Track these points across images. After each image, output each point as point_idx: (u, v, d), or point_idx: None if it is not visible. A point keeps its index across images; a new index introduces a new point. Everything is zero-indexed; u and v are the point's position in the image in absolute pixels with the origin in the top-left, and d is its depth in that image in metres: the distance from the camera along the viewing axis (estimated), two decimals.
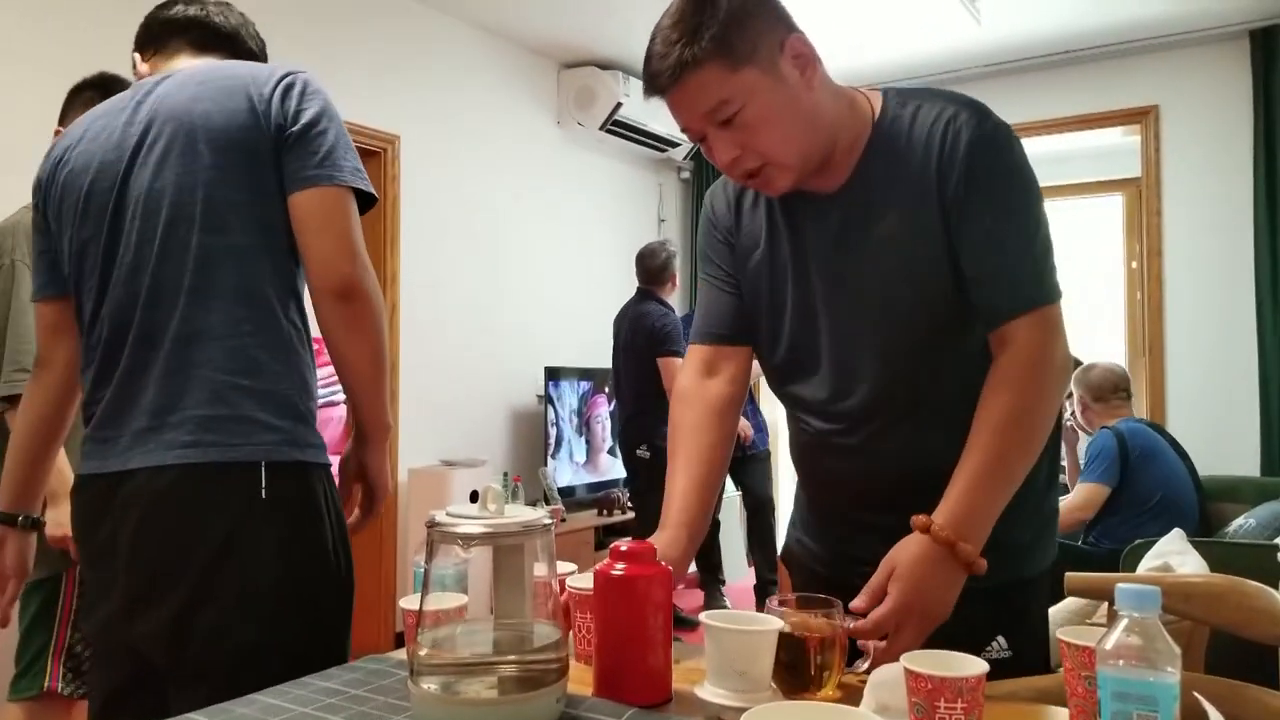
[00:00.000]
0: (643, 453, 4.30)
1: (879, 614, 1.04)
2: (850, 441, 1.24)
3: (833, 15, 4.27)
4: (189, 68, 1.35)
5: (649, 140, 5.18)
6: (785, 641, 0.99)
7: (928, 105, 1.19)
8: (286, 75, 1.32)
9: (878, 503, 1.22)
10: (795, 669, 1.01)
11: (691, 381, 1.34)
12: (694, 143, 1.20)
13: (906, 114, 1.19)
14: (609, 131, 5.00)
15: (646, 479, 4.26)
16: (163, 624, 1.21)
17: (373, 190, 1.33)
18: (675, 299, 4.54)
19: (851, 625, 1.04)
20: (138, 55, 1.47)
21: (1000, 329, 1.14)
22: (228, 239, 1.24)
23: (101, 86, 1.93)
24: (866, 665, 1.05)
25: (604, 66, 4.89)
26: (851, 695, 0.98)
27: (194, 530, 1.20)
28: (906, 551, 1.07)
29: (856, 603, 1.06)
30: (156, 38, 1.44)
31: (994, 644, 1.18)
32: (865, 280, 1.20)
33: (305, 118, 1.29)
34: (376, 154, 4.05)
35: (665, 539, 1.21)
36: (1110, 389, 3.62)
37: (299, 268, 1.31)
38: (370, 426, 1.36)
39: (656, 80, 1.12)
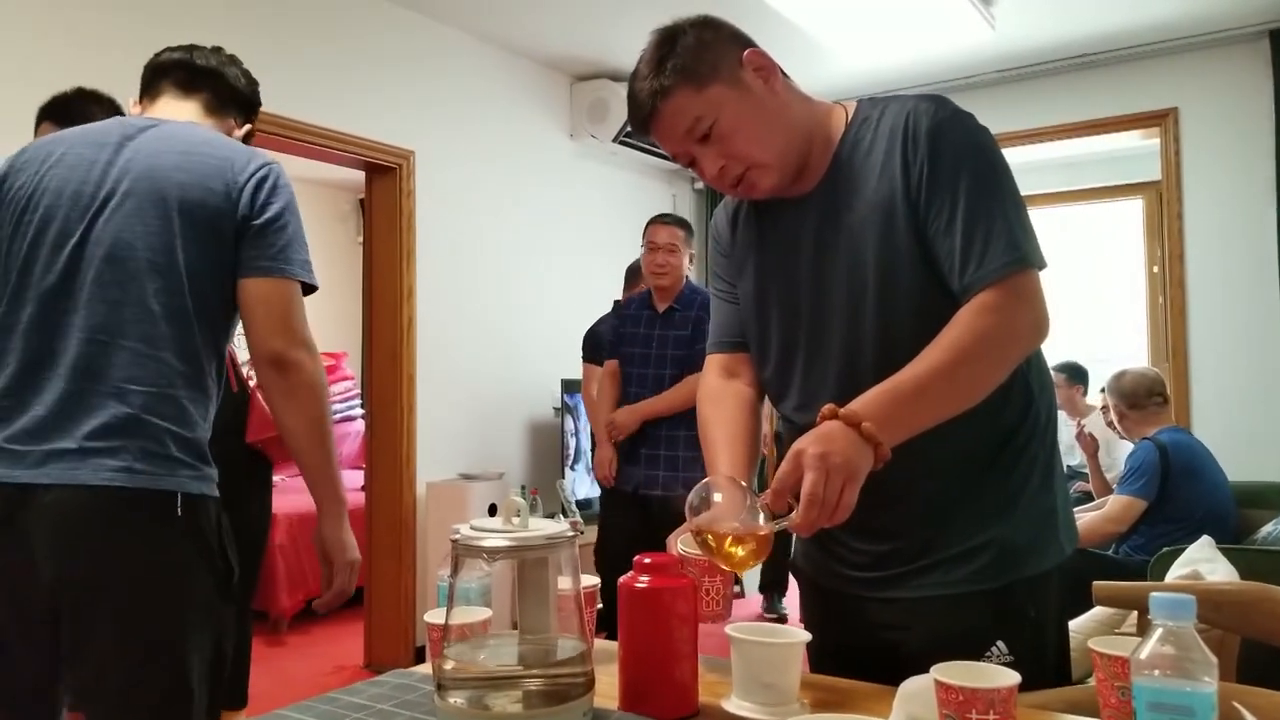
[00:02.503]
0: None
1: (780, 472, 1.05)
2: None
3: (845, 22, 4.27)
4: (175, 125, 1.50)
5: (661, 151, 5.19)
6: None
7: (895, 105, 1.26)
8: (261, 168, 1.47)
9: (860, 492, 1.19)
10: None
11: (716, 382, 1.41)
12: (685, 167, 1.30)
13: (875, 114, 1.27)
14: (622, 143, 5.01)
15: None
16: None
17: (315, 283, 1.51)
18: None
19: (766, 497, 1.07)
20: (131, 100, 1.62)
21: (972, 300, 1.16)
22: (181, 301, 1.40)
23: (59, 115, 2.01)
24: (787, 523, 1.06)
25: (616, 79, 4.90)
26: (877, 702, 0.98)
27: (112, 547, 1.34)
28: (808, 431, 1.08)
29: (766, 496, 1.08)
30: (148, 84, 1.60)
31: (994, 649, 1.17)
32: (838, 273, 1.24)
33: (269, 212, 1.45)
34: (392, 169, 4.08)
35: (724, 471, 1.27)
36: (1145, 394, 3.55)
37: (228, 337, 1.50)
38: (319, 497, 1.52)
39: (639, 114, 1.25)
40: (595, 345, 4.33)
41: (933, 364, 1.12)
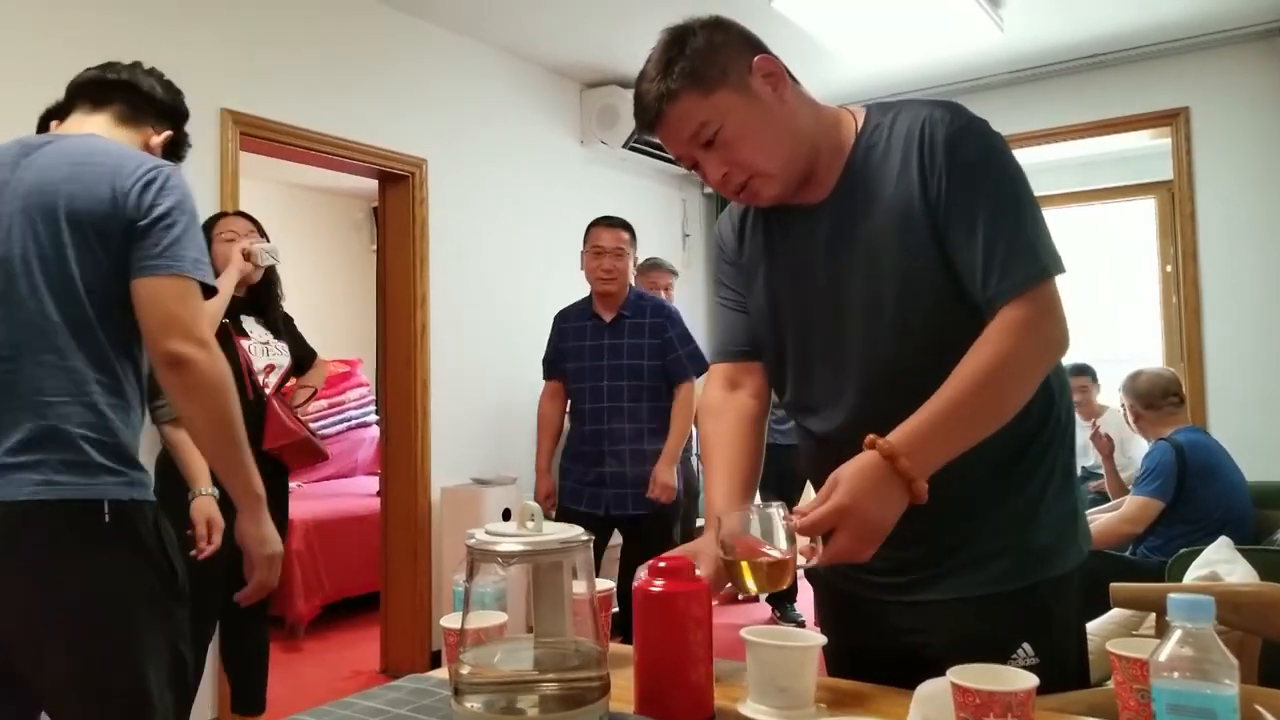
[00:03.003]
0: None
1: (817, 515, 1.07)
2: (845, 446, 1.23)
3: (854, 24, 4.27)
4: (73, 138, 1.52)
5: (671, 157, 5.20)
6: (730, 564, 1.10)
7: (907, 111, 1.24)
8: (150, 170, 1.46)
9: None
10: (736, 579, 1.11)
11: (718, 395, 1.41)
12: (689, 169, 1.29)
13: (887, 121, 1.25)
14: (632, 149, 5.02)
15: None
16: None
17: (211, 281, 1.49)
18: (686, 313, 4.62)
19: (795, 523, 1.09)
20: (55, 122, 1.64)
21: (997, 312, 1.15)
22: (81, 311, 1.41)
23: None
24: (809, 564, 1.10)
25: (626, 85, 4.91)
26: (893, 705, 0.97)
27: (44, 563, 1.36)
28: (850, 464, 1.10)
29: (800, 513, 1.10)
30: (63, 104, 1.63)
31: (1020, 651, 1.17)
32: (854, 281, 1.23)
33: (155, 212, 1.44)
34: (404, 178, 4.10)
35: (713, 539, 1.26)
36: (1160, 395, 3.52)
37: (140, 343, 1.49)
38: (232, 492, 1.53)
39: (645, 116, 1.25)
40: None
41: (968, 387, 1.11)
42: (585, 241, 3.46)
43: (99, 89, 1.61)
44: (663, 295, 4.58)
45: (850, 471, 1.09)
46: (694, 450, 4.40)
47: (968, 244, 1.16)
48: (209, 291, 1.49)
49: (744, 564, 1.09)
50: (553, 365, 3.53)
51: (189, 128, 1.74)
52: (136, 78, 1.63)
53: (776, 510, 1.09)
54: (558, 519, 3.21)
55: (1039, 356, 1.16)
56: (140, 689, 1.38)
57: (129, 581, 1.40)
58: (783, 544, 1.08)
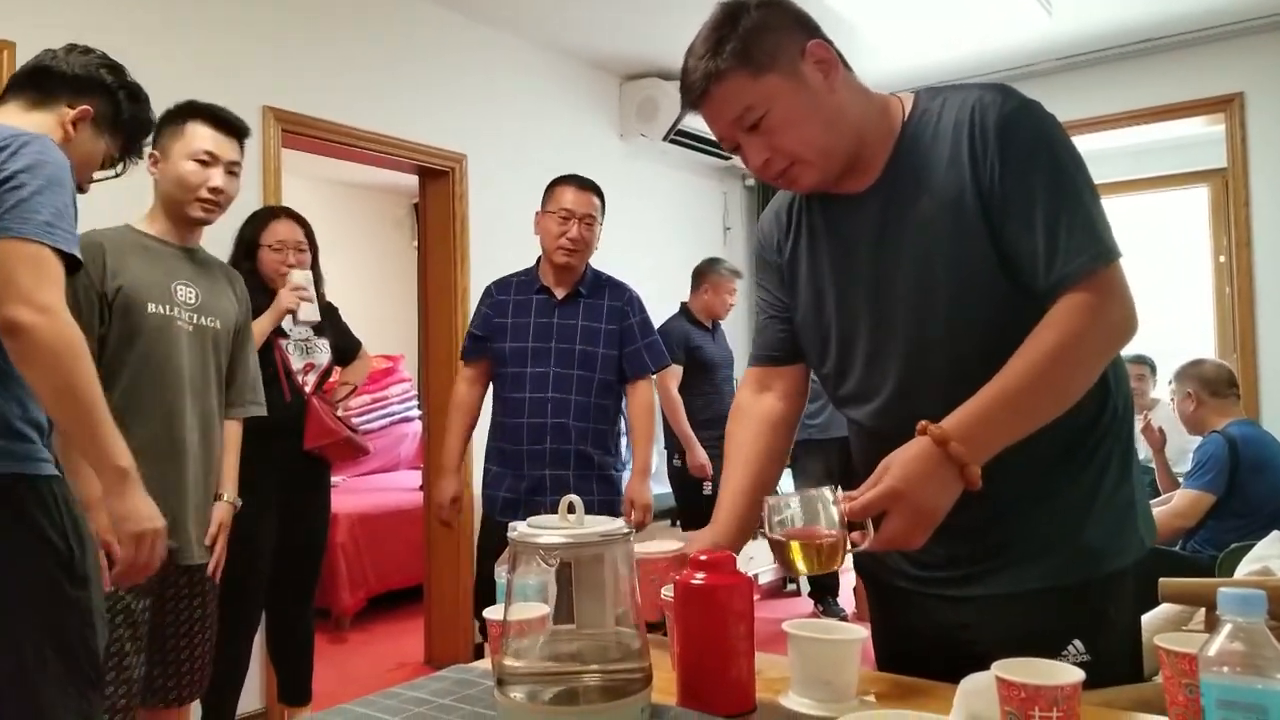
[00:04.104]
0: (676, 461, 4.45)
1: (868, 498, 1.07)
2: (895, 437, 1.20)
3: (899, 14, 4.22)
4: None
5: (712, 149, 5.18)
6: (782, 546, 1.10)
7: (955, 95, 1.21)
8: (9, 138, 1.40)
9: None
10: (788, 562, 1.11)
11: (747, 397, 1.42)
12: (729, 150, 1.25)
13: (935, 106, 1.22)
14: (672, 142, 5.01)
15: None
16: None
17: (59, 245, 1.39)
18: (735, 306, 4.72)
19: (846, 507, 1.08)
20: None
21: (1059, 298, 1.12)
22: None
23: None
24: (861, 548, 1.09)
25: (666, 77, 4.90)
26: (937, 700, 0.97)
27: None
28: (903, 449, 1.09)
29: (851, 498, 1.10)
30: None
31: (1071, 647, 1.15)
32: (903, 270, 1.21)
33: (4, 173, 1.37)
34: (444, 173, 4.13)
35: (716, 530, 1.31)
36: (1225, 383, 3.48)
37: None
38: (91, 465, 1.46)
39: (689, 94, 1.21)
40: (668, 344, 4.37)
41: (1030, 372, 1.09)
42: (546, 201, 2.88)
43: (13, 81, 1.59)
44: (733, 304, 4.60)
45: (902, 457, 1.07)
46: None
47: (1027, 233, 1.13)
48: (71, 262, 1.42)
49: (795, 544, 1.08)
50: (481, 343, 2.86)
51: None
52: (52, 60, 1.60)
53: (828, 491, 1.09)
54: (482, 536, 2.90)
55: (1103, 340, 1.13)
56: (22, 686, 1.34)
57: (5, 564, 1.35)
58: (834, 526, 1.07)
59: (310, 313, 2.83)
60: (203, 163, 2.07)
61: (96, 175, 1.72)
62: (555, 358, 2.75)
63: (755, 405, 1.40)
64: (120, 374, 1.97)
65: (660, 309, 4.66)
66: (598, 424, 2.77)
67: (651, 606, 1.17)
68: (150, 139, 2.10)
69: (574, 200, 2.83)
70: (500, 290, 2.90)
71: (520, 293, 2.86)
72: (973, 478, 1.06)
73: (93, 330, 1.95)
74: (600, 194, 2.92)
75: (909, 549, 1.08)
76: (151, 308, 2.02)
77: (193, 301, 2.11)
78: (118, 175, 1.77)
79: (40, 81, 1.58)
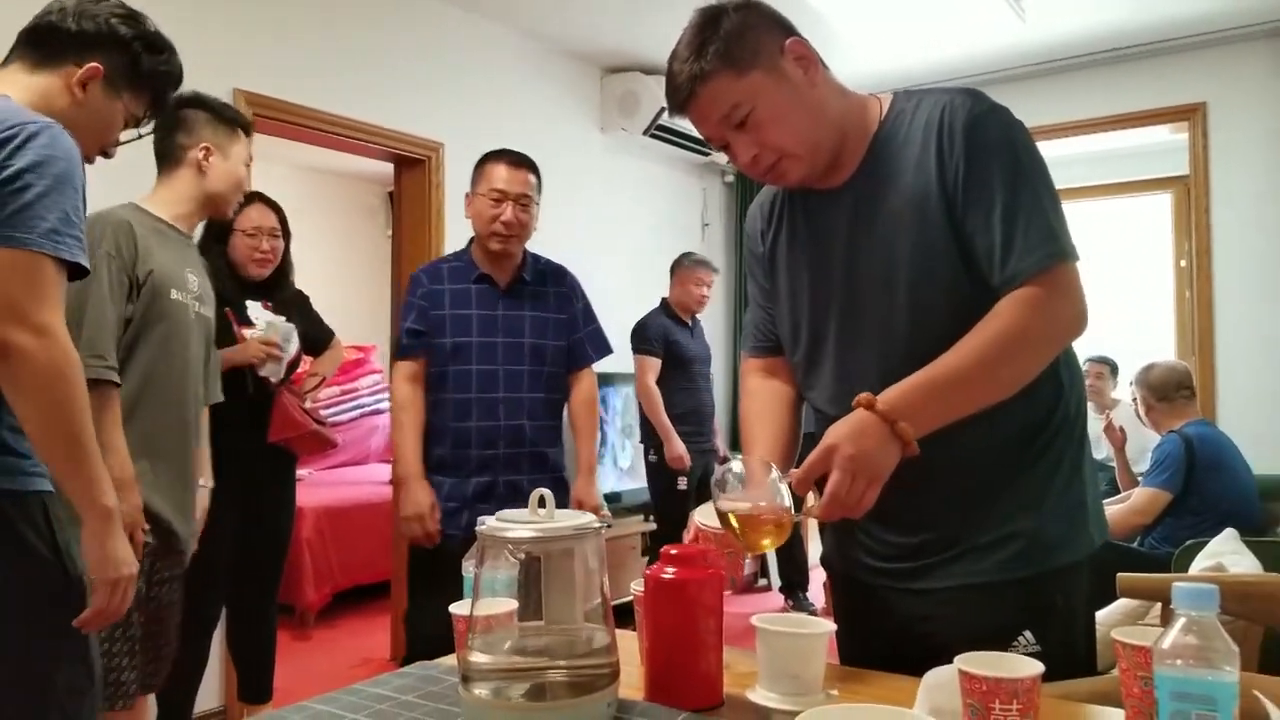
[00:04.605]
0: (652, 456, 4.44)
1: (807, 461, 1.10)
2: None
3: (876, 15, 4.25)
4: None
5: (692, 144, 5.18)
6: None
7: (930, 97, 1.26)
8: (11, 128, 1.26)
9: (889, 483, 1.18)
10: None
11: (756, 382, 1.44)
12: (718, 150, 1.30)
13: (910, 107, 1.27)
14: (653, 136, 4.99)
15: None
16: None
17: (64, 255, 1.26)
18: (711, 302, 4.74)
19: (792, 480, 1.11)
20: None
21: (1013, 293, 1.16)
22: None
23: None
24: (811, 513, 1.12)
25: (647, 71, 4.88)
26: (901, 693, 0.98)
27: None
28: (841, 420, 1.13)
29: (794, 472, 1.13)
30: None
31: (1021, 638, 1.18)
32: (871, 264, 1.25)
33: (7, 172, 1.24)
34: (421, 162, 4.10)
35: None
36: (1174, 387, 3.55)
37: None
38: (75, 502, 1.30)
39: (676, 97, 1.25)
40: (646, 338, 4.39)
41: (971, 355, 1.13)
42: (476, 180, 2.58)
43: (15, 44, 1.45)
44: (704, 296, 4.61)
45: (839, 424, 1.12)
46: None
47: (985, 228, 1.18)
48: (78, 271, 1.30)
49: (740, 520, 1.11)
50: (419, 338, 2.53)
51: None
52: (57, 17, 1.44)
53: (775, 471, 1.12)
54: (413, 559, 2.56)
55: (1047, 334, 1.17)
56: (16, 703, 1.26)
57: None
58: (781, 501, 1.10)
59: (273, 372, 2.73)
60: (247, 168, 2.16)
61: (122, 136, 1.56)
62: (504, 353, 2.50)
63: (766, 386, 1.42)
64: (139, 358, 1.98)
65: (637, 304, 4.68)
66: (550, 420, 2.58)
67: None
68: (191, 122, 2.06)
69: (507, 179, 2.52)
70: (432, 278, 2.58)
71: (456, 281, 2.55)
72: (912, 449, 1.10)
73: (120, 313, 1.94)
74: (536, 170, 2.61)
75: (857, 510, 1.09)
76: (174, 294, 2.03)
77: (196, 290, 2.13)
78: (141, 136, 1.64)
79: (42, 40, 1.43)
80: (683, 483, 4.36)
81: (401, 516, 2.42)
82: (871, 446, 1.08)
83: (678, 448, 4.31)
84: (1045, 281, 1.15)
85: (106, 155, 1.53)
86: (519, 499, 2.08)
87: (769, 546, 1.13)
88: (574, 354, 2.64)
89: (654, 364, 4.38)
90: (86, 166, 1.38)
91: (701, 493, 4.26)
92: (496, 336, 2.50)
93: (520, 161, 2.57)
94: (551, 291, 2.61)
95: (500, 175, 2.52)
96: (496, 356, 2.49)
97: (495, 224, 2.49)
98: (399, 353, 2.58)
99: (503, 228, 2.49)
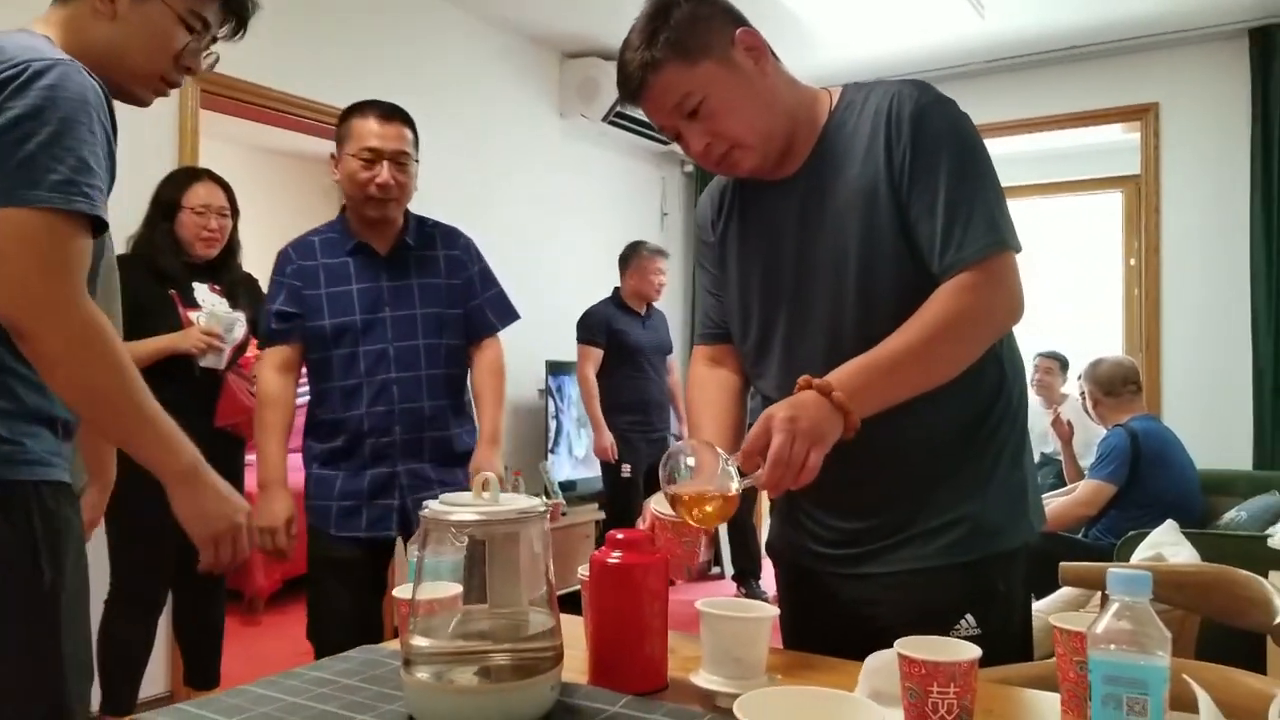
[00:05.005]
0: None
1: (750, 433, 1.10)
2: None
3: (838, 9, 4.27)
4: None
5: (652, 133, 5.17)
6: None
7: (880, 88, 1.28)
8: (18, 65, 1.11)
9: (827, 470, 1.18)
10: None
11: (702, 371, 1.45)
12: (671, 139, 1.30)
13: (860, 98, 1.29)
14: (612, 124, 4.98)
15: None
16: None
17: (78, 208, 1.10)
18: (665, 293, 4.72)
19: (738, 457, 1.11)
20: None
21: (950, 280, 1.18)
22: None
23: None
24: (753, 480, 1.10)
25: (607, 57, 4.87)
26: (844, 676, 0.99)
27: None
28: (783, 400, 1.13)
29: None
30: None
31: (963, 622, 1.21)
32: (820, 254, 1.26)
33: (11, 115, 1.09)
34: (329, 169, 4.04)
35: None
36: (1120, 382, 3.64)
37: None
38: (154, 471, 1.22)
39: (628, 86, 1.26)
40: (588, 327, 4.37)
41: (908, 340, 1.15)
42: (344, 139, 2.19)
43: None
44: (664, 283, 4.60)
45: (784, 401, 1.12)
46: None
47: (928, 216, 1.19)
48: (97, 224, 1.15)
49: (690, 498, 1.11)
50: (290, 321, 2.20)
51: None
52: None
53: (721, 451, 1.13)
54: (313, 564, 2.34)
55: (982, 319, 1.19)
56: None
57: None
58: (729, 477, 1.10)
59: (214, 362, 2.68)
60: None
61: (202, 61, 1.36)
62: (393, 329, 2.17)
63: (713, 375, 1.43)
64: None
65: (595, 293, 4.66)
66: (453, 399, 2.25)
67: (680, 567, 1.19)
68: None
69: (379, 135, 2.14)
70: (302, 254, 2.23)
71: (329, 254, 2.21)
72: (853, 421, 1.11)
73: None
74: (412, 124, 2.25)
75: (802, 475, 1.07)
76: None
77: None
78: (236, 35, 1.41)
79: None
80: (626, 470, 4.36)
81: (256, 525, 1.91)
82: (810, 412, 1.09)
83: (605, 439, 4.31)
84: (983, 270, 1.17)
85: (172, 84, 1.33)
86: (427, 489, 2.06)
87: (718, 519, 1.13)
88: (474, 323, 2.29)
89: (594, 354, 4.37)
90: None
91: (651, 481, 4.27)
92: (382, 311, 2.17)
93: (393, 113, 2.20)
94: (441, 255, 2.26)
95: (371, 131, 2.14)
96: (385, 333, 2.16)
97: (370, 187, 2.12)
98: (265, 339, 2.24)
99: (378, 190, 2.12)
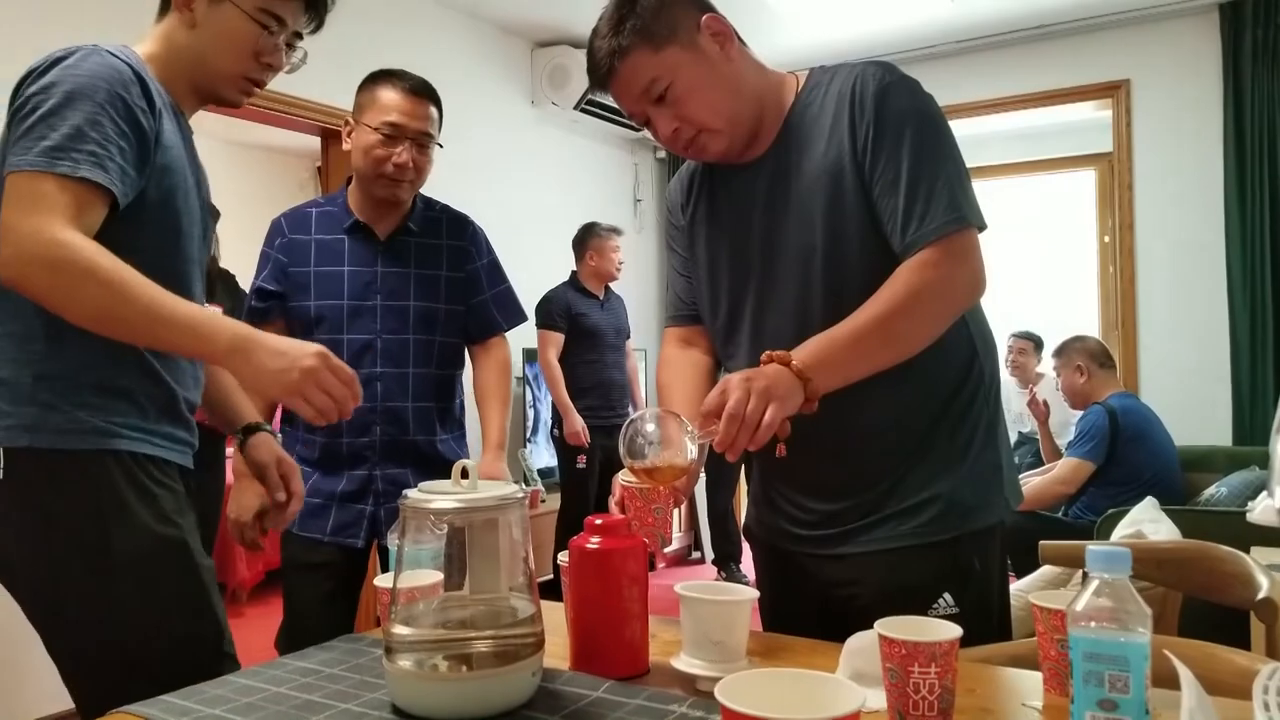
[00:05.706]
0: (556, 432, 4.41)
1: (708, 397, 1.11)
2: None
3: None
4: None
5: (624, 120, 5.14)
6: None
7: (844, 70, 1.29)
8: (51, 56, 1.20)
9: (801, 451, 1.19)
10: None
11: (673, 352, 1.47)
12: (640, 125, 1.33)
13: (825, 80, 1.30)
14: (584, 111, 4.96)
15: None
16: None
17: (64, 171, 1.13)
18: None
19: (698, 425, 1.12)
20: None
21: (912, 257, 1.19)
22: None
23: None
24: (708, 436, 1.10)
25: (577, 45, 4.84)
26: (825, 658, 0.99)
27: None
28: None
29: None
30: None
31: (940, 601, 1.22)
32: (787, 235, 1.27)
33: (26, 93, 1.17)
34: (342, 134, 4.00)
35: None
36: (1105, 356, 3.70)
37: None
38: (200, 358, 1.35)
39: (596, 73, 1.29)
40: (548, 312, 4.32)
41: (870, 315, 1.16)
42: (364, 107, 2.03)
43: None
44: (616, 261, 4.57)
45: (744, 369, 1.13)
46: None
47: (890, 193, 1.20)
48: (95, 187, 1.15)
49: (649, 466, 1.13)
50: (272, 300, 2.03)
51: None
52: None
53: (682, 419, 1.14)
54: (287, 569, 2.12)
55: (942, 295, 1.19)
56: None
57: (17, 550, 1.20)
58: (689, 441, 1.12)
59: None
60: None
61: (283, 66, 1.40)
62: (382, 319, 1.98)
63: (683, 356, 1.45)
64: None
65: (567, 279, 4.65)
66: (441, 401, 2.06)
67: (654, 536, 1.18)
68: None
69: (405, 111, 1.97)
70: (296, 227, 2.05)
71: (325, 230, 2.03)
72: (814, 389, 1.11)
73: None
74: (439, 103, 2.09)
75: (759, 432, 1.07)
76: None
77: None
78: (299, 60, 1.44)
79: None
80: (581, 460, 4.30)
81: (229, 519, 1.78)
82: (767, 374, 1.10)
83: (575, 423, 4.27)
84: (944, 246, 1.18)
85: (258, 83, 1.37)
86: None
87: (679, 475, 1.15)
88: (478, 320, 2.11)
89: (555, 338, 4.33)
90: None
91: (616, 464, 4.26)
92: (373, 299, 1.98)
93: (422, 90, 2.03)
94: (445, 245, 2.06)
95: (397, 105, 1.97)
96: (373, 323, 1.98)
97: (386, 165, 1.95)
98: (246, 316, 2.02)
99: (394, 170, 1.95)
